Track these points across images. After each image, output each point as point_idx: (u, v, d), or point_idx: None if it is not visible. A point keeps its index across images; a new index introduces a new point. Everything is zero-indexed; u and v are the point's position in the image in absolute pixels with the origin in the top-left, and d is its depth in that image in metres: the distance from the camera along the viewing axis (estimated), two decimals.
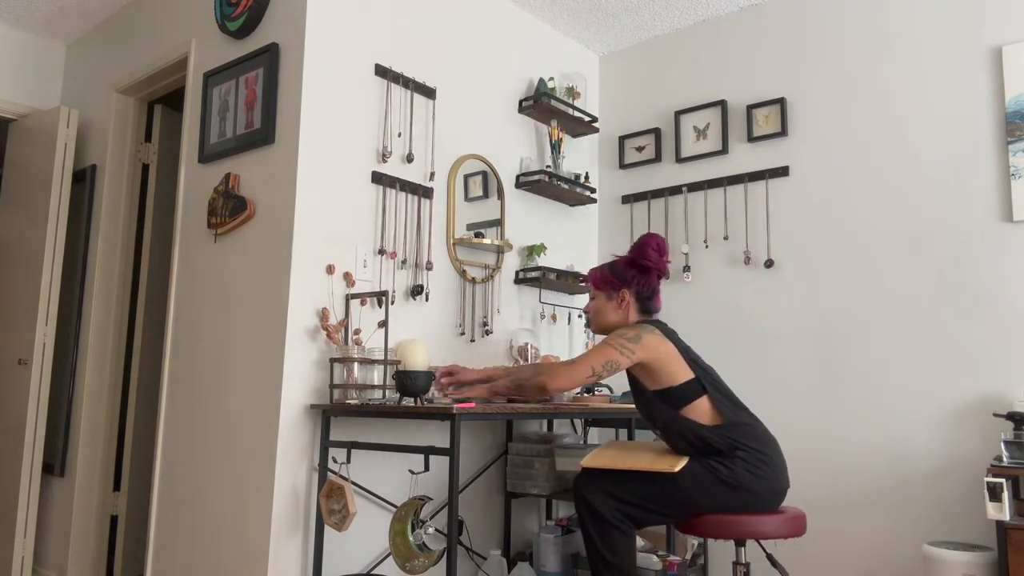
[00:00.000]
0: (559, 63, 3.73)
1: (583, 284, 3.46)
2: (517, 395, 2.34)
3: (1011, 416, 2.48)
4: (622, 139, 3.82)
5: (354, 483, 2.57)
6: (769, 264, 3.25)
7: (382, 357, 2.51)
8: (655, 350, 2.21)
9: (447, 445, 2.87)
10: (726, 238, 3.40)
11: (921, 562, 2.77)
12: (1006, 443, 2.43)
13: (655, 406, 2.26)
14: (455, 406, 2.19)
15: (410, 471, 2.49)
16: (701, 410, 2.20)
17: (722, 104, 3.49)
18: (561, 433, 3.23)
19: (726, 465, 2.14)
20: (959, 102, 2.90)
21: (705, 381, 2.22)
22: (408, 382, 2.32)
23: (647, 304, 2.41)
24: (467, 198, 3.15)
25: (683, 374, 2.21)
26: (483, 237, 3.11)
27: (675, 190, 3.59)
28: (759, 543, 2.30)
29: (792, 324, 3.19)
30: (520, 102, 3.45)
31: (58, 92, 3.98)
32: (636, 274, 2.39)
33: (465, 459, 3.03)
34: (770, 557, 2.23)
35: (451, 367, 2.51)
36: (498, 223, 3.28)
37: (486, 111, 3.30)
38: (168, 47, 3.23)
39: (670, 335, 2.28)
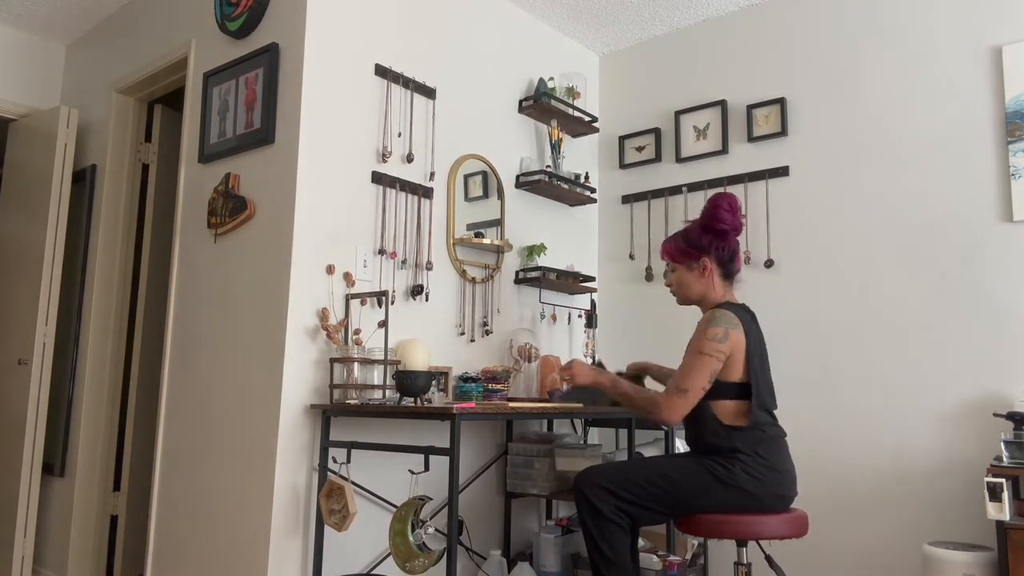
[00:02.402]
0: (559, 63, 3.73)
1: (583, 284, 3.46)
2: (627, 408, 2.35)
3: (1011, 416, 2.48)
4: (622, 139, 3.82)
5: (354, 483, 2.57)
6: (769, 264, 3.25)
7: (382, 357, 2.51)
8: (736, 347, 2.17)
9: (447, 445, 2.87)
10: None
11: (921, 562, 2.77)
12: (1006, 443, 2.43)
13: None
14: (455, 406, 2.19)
15: (410, 471, 2.49)
16: (727, 408, 2.18)
17: (722, 104, 3.49)
18: (561, 433, 3.23)
19: (724, 465, 2.13)
20: (959, 102, 2.89)
21: (753, 388, 2.17)
22: (408, 382, 2.32)
23: (729, 268, 2.33)
24: (467, 198, 3.15)
25: (736, 373, 2.18)
26: (483, 237, 3.11)
27: (675, 190, 3.59)
28: (758, 544, 2.30)
29: (792, 323, 3.19)
30: (520, 102, 3.45)
31: (58, 92, 3.98)
32: (713, 239, 2.30)
33: (465, 459, 3.03)
34: (768, 558, 2.23)
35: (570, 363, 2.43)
36: (498, 223, 3.28)
37: (486, 111, 3.30)
38: (168, 47, 3.23)
39: (747, 325, 2.22)
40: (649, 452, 3.21)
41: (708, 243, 2.30)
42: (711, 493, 2.12)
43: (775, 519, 2.12)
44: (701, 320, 2.23)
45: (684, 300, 2.39)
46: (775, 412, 2.28)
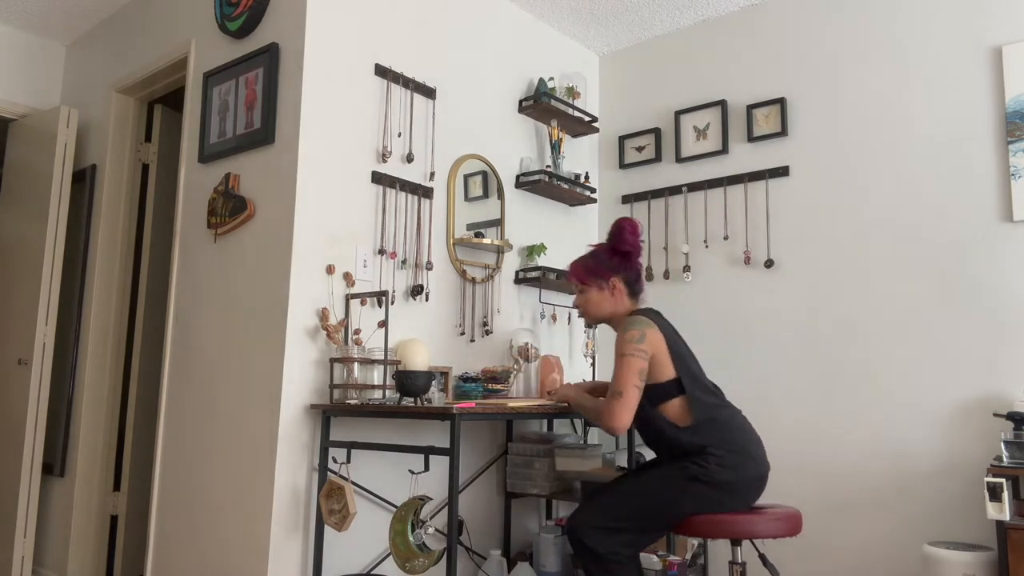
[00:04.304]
0: (559, 63, 3.73)
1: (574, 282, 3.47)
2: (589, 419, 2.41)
3: (1011, 416, 2.48)
4: (622, 139, 3.82)
5: (354, 483, 2.57)
6: (769, 264, 3.25)
7: (382, 357, 2.51)
8: (656, 346, 2.25)
9: (447, 445, 2.87)
10: (726, 238, 3.40)
11: (921, 562, 2.77)
12: (1006, 443, 2.43)
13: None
14: (455, 406, 2.19)
15: (410, 471, 2.49)
16: (674, 409, 2.24)
17: (722, 104, 3.49)
18: (561, 433, 3.23)
19: (699, 464, 2.17)
20: (959, 102, 2.89)
21: (684, 380, 2.25)
22: (408, 382, 2.32)
23: (635, 287, 2.46)
24: (467, 198, 3.15)
25: (667, 372, 2.25)
26: (483, 237, 3.11)
27: (675, 190, 3.59)
28: (752, 543, 2.31)
29: (792, 324, 3.19)
30: (520, 102, 3.45)
31: (58, 92, 3.98)
32: (620, 260, 2.44)
33: (465, 459, 3.03)
34: (762, 557, 2.24)
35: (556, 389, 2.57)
36: (498, 223, 3.28)
37: (486, 111, 3.30)
38: (168, 47, 3.23)
39: (663, 327, 2.31)
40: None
41: (617, 264, 2.44)
42: (695, 495, 2.15)
43: (769, 518, 2.13)
44: (618, 331, 2.31)
45: (594, 319, 2.49)
46: (720, 392, 2.34)
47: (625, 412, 2.20)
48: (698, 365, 2.35)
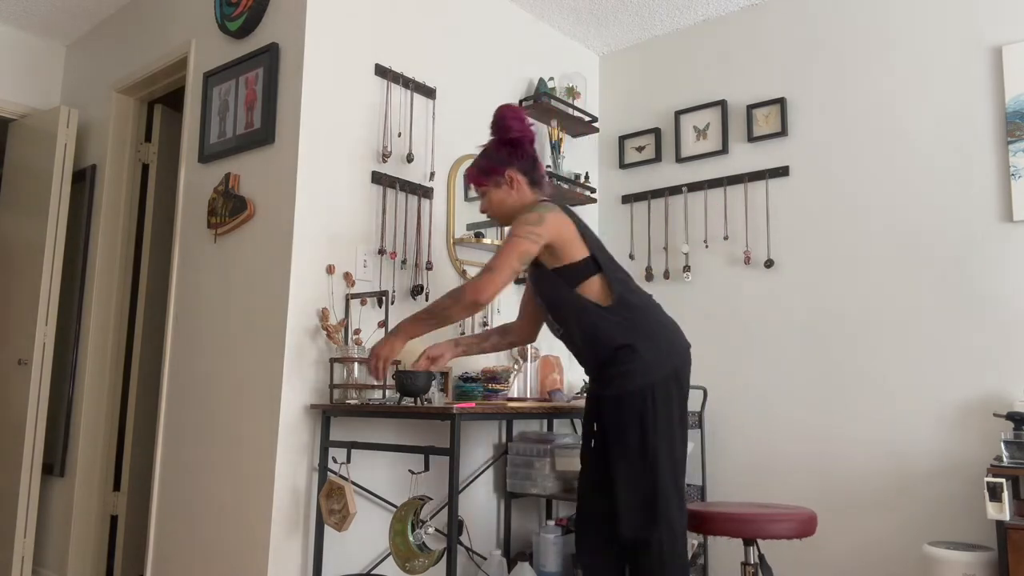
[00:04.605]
0: (559, 63, 3.73)
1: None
2: (441, 324, 2.23)
3: (1011, 416, 2.48)
4: (622, 139, 3.82)
5: (354, 483, 2.57)
6: (769, 264, 3.25)
7: None
8: (558, 228, 2.16)
9: (447, 445, 2.86)
10: (726, 238, 3.40)
11: (921, 562, 2.77)
12: (1006, 443, 2.43)
13: (553, 284, 2.20)
14: (455, 406, 2.19)
15: (410, 471, 2.49)
16: (594, 288, 2.15)
17: (722, 104, 3.49)
18: (561, 433, 3.23)
19: (623, 369, 2.07)
20: (959, 102, 2.89)
21: (599, 257, 2.17)
22: (408, 382, 2.31)
23: (533, 175, 2.34)
24: (467, 198, 3.14)
25: (580, 251, 2.17)
26: (483, 237, 3.11)
27: (675, 190, 3.59)
28: (756, 543, 2.30)
29: (792, 324, 3.19)
30: (520, 102, 3.45)
31: (58, 92, 3.98)
32: (510, 151, 2.33)
33: (465, 459, 3.02)
34: (761, 556, 2.23)
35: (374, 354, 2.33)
36: (498, 223, 3.27)
37: (486, 111, 3.30)
38: (168, 47, 3.23)
39: (570, 213, 2.23)
40: None
41: (507, 155, 2.32)
42: (646, 389, 2.05)
43: (785, 519, 2.11)
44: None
45: (504, 219, 2.37)
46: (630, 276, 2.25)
47: (491, 286, 2.11)
48: (612, 257, 2.26)
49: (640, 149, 3.76)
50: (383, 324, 2.62)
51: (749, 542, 2.24)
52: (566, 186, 3.46)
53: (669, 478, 2.05)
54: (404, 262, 2.86)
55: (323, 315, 2.53)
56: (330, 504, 2.33)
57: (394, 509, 2.68)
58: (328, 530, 2.48)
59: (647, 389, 2.06)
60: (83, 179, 3.58)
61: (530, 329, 2.55)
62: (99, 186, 3.52)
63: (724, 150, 3.46)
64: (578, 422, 3.50)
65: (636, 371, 2.07)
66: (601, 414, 2.15)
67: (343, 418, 2.58)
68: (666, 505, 2.03)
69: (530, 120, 2.38)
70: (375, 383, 2.45)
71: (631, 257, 3.70)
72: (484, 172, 2.34)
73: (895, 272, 2.96)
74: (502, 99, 3.38)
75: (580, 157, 3.82)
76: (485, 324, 3.15)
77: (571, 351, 2.27)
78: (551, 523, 3.05)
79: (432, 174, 2.99)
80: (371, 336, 2.68)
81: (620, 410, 2.08)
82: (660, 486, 2.03)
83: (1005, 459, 2.41)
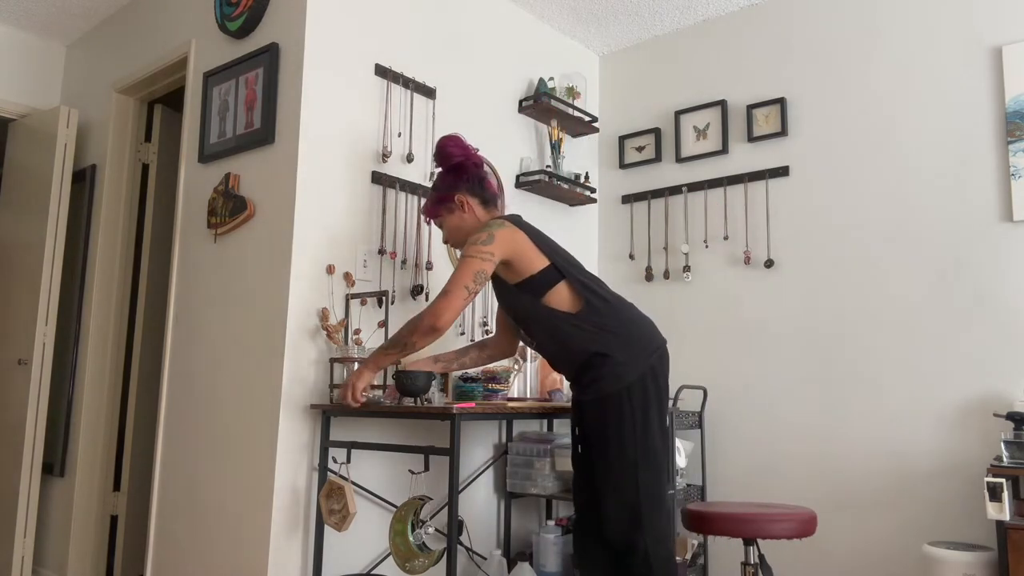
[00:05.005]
0: (559, 63, 3.73)
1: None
2: (406, 353, 2.21)
3: (1011, 416, 2.48)
4: (622, 139, 3.82)
5: (354, 483, 2.57)
6: (769, 264, 3.25)
7: None
8: (510, 243, 2.15)
9: (447, 445, 2.86)
10: (726, 238, 3.40)
11: (921, 562, 2.77)
12: (1006, 443, 2.43)
13: (518, 300, 2.20)
14: (455, 406, 2.19)
15: (410, 471, 2.49)
16: (561, 296, 2.15)
17: (722, 104, 3.49)
18: (561, 433, 3.23)
19: (596, 376, 2.07)
20: (959, 102, 2.90)
21: (559, 263, 2.16)
22: (408, 382, 2.31)
23: (484, 195, 2.35)
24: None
25: (539, 262, 2.16)
26: None
27: (675, 190, 3.59)
28: (756, 542, 2.30)
29: (792, 324, 3.19)
30: (520, 102, 3.45)
31: (58, 92, 3.98)
32: (455, 176, 2.34)
33: (465, 459, 3.02)
34: (761, 556, 2.23)
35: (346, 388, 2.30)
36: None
37: (486, 111, 3.30)
38: (168, 47, 3.23)
39: (523, 226, 2.21)
40: None
41: (454, 181, 2.33)
42: (626, 408, 2.05)
43: (786, 519, 2.11)
44: None
45: (463, 243, 2.33)
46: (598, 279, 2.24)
47: (448, 311, 2.10)
48: (578, 262, 2.25)
49: (640, 149, 3.76)
50: (383, 324, 2.62)
51: (749, 542, 2.24)
52: (566, 186, 3.46)
53: (651, 481, 2.07)
54: (404, 262, 2.86)
55: (323, 315, 2.53)
56: (330, 504, 2.33)
57: (394, 509, 2.68)
58: (328, 530, 2.48)
59: (623, 392, 2.07)
60: (83, 179, 3.58)
61: (508, 342, 2.56)
62: (99, 186, 3.52)
63: (724, 150, 3.46)
64: None
65: (612, 374, 2.08)
66: (582, 419, 2.15)
67: (343, 418, 2.58)
68: (649, 508, 2.05)
69: (473, 145, 2.40)
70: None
71: (631, 257, 3.70)
72: (436, 202, 2.36)
73: (895, 272, 2.96)
74: (502, 99, 3.38)
75: (580, 157, 3.82)
76: (485, 324, 3.15)
77: (547, 361, 2.28)
78: (551, 523, 3.05)
79: (432, 174, 2.99)
80: (371, 336, 2.68)
81: (599, 414, 2.09)
82: (642, 490, 2.06)
83: (1005, 459, 2.41)
